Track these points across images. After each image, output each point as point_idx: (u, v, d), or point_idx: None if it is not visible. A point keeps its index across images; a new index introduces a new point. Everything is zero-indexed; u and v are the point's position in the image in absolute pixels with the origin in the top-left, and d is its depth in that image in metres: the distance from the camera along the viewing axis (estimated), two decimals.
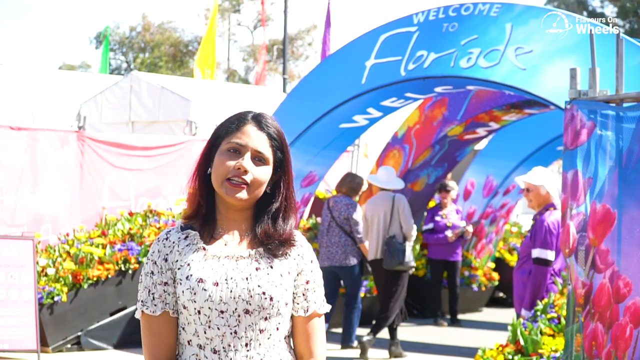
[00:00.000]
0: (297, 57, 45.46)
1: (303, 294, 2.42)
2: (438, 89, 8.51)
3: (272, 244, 2.39)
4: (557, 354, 5.41)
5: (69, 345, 8.54)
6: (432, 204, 11.43)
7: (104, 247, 8.89)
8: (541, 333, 5.77)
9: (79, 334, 8.57)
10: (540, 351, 5.57)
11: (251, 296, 2.31)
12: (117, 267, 8.77)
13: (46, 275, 8.47)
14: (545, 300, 6.27)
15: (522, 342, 5.70)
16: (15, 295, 7.96)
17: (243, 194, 2.34)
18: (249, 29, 45.06)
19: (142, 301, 2.37)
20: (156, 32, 44.31)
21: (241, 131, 2.37)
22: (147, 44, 44.41)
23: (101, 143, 10.21)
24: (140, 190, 10.62)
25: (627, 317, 4.31)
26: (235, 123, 2.39)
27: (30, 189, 9.55)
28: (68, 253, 8.77)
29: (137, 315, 2.39)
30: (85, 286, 8.53)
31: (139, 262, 8.88)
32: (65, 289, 8.40)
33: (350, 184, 9.01)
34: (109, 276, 8.71)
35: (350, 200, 8.94)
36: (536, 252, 6.99)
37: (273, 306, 2.33)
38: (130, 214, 9.74)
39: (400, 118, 11.29)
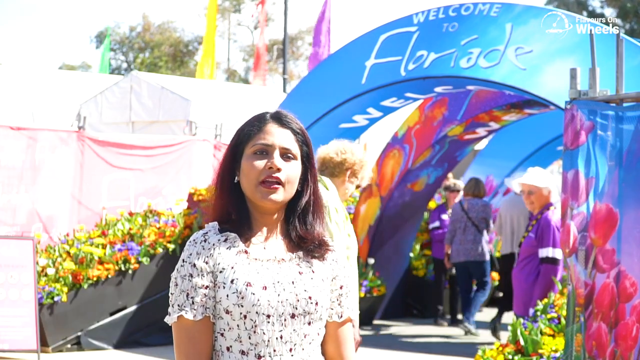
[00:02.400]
0: (297, 57, 45.47)
1: (337, 299, 2.36)
2: (438, 89, 8.51)
3: (310, 246, 2.33)
4: (557, 354, 5.41)
5: (69, 345, 8.54)
6: (431, 204, 11.42)
7: (104, 247, 8.88)
8: (541, 333, 5.77)
9: (79, 334, 8.57)
10: (540, 351, 5.56)
11: (298, 300, 2.25)
12: (117, 267, 8.76)
13: (46, 275, 8.47)
14: (545, 300, 6.26)
15: (522, 342, 5.70)
16: (15, 295, 7.96)
17: (277, 196, 2.26)
18: (249, 29, 45.07)
19: (179, 305, 2.24)
20: (156, 32, 44.31)
21: (264, 131, 2.29)
22: (147, 44, 44.41)
23: (101, 143, 10.21)
24: (140, 190, 10.62)
25: (634, 317, 4.30)
26: (255, 125, 2.31)
27: (30, 189, 9.55)
28: (68, 253, 8.77)
29: (170, 321, 2.26)
30: (85, 286, 8.53)
31: (139, 262, 8.88)
32: (65, 289, 8.40)
33: (479, 187, 10.06)
34: (109, 276, 8.70)
35: (484, 202, 10.12)
36: (546, 252, 6.89)
37: (317, 311, 2.27)
38: (130, 214, 9.74)
39: (400, 118, 11.29)
